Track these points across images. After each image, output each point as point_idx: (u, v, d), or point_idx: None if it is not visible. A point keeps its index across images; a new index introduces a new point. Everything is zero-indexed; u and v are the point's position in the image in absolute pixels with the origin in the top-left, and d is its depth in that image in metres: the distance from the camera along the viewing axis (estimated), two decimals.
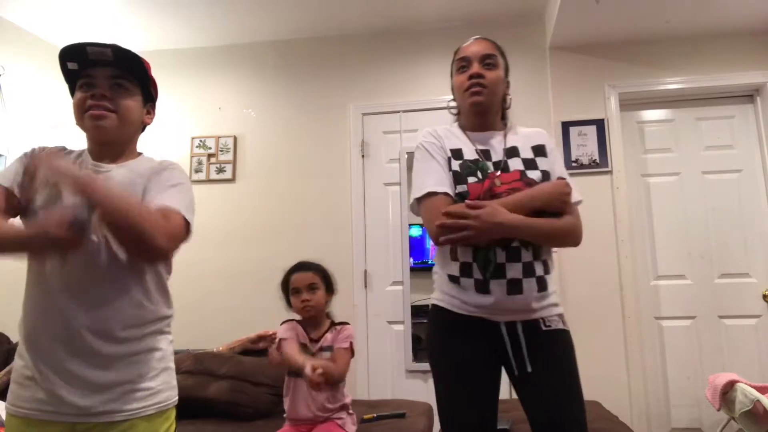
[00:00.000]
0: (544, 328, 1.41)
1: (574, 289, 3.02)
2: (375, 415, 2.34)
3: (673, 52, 3.16)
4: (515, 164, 1.48)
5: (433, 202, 1.44)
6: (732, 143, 3.16)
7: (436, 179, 1.47)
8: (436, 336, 1.50)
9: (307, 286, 2.00)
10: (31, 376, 1.13)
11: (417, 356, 3.15)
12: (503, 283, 1.38)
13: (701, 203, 3.13)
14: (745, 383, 2.43)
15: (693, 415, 2.97)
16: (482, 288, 1.40)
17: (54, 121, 3.47)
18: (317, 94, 3.49)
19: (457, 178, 1.46)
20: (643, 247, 3.14)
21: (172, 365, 1.25)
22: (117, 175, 1.21)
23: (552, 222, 1.42)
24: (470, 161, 1.48)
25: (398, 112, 3.38)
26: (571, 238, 1.47)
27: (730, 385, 2.47)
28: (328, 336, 2.02)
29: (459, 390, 1.43)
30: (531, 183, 1.44)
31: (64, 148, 1.29)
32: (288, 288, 2.04)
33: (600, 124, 3.14)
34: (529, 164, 1.49)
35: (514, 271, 1.38)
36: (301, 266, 2.06)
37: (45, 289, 1.16)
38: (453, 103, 1.63)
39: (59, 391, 1.10)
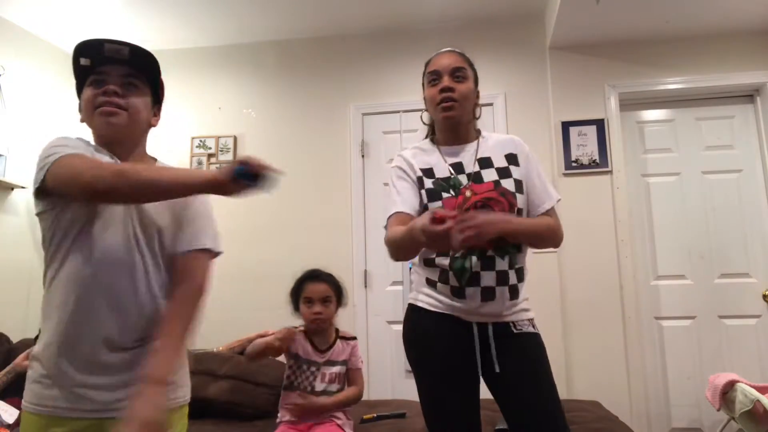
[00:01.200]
0: (515, 331, 1.45)
1: (574, 289, 3.02)
2: (375, 414, 2.34)
3: (673, 52, 3.17)
4: (489, 175, 1.50)
5: (395, 220, 1.49)
6: (732, 143, 3.16)
7: (401, 200, 1.51)
8: (412, 335, 1.53)
9: (322, 298, 1.99)
10: (51, 374, 1.12)
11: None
12: (477, 290, 1.42)
13: (701, 203, 3.13)
14: (745, 383, 2.43)
15: (693, 415, 2.97)
16: (457, 294, 1.45)
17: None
18: (317, 94, 3.49)
19: (431, 195, 1.49)
20: (643, 247, 3.14)
21: (185, 361, 1.26)
22: None
23: (548, 224, 1.50)
24: (442, 179, 1.51)
25: (398, 112, 3.38)
26: (551, 240, 1.52)
27: (730, 385, 2.47)
28: (338, 349, 2.01)
29: (440, 386, 1.45)
30: (505, 193, 1.46)
31: (87, 142, 1.26)
32: (298, 295, 2.02)
33: (600, 124, 3.14)
34: (503, 173, 1.51)
35: (488, 279, 1.42)
36: (316, 276, 2.04)
37: (82, 294, 1.13)
38: (426, 115, 1.66)
39: (85, 388, 1.10)
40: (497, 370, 1.43)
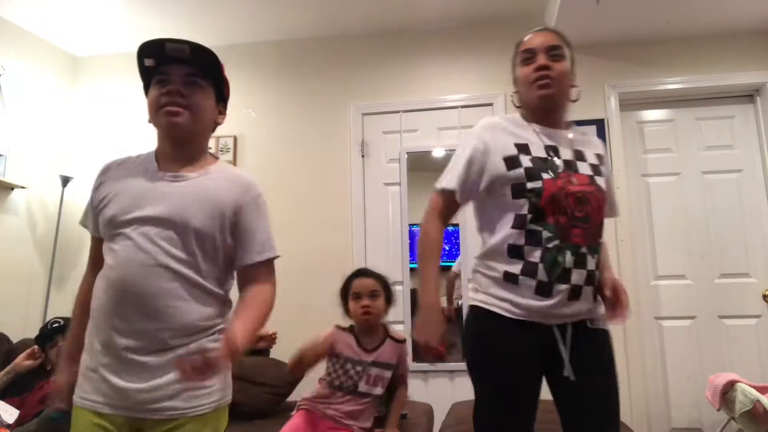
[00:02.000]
0: (590, 327, 1.40)
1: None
2: (375, 414, 2.34)
3: (673, 52, 3.17)
4: (583, 168, 1.43)
5: (438, 198, 1.48)
6: (732, 143, 3.16)
7: (458, 178, 1.45)
8: (480, 340, 1.42)
9: (370, 292, 1.97)
10: (95, 368, 1.15)
11: (417, 356, 3.15)
12: (566, 288, 1.34)
13: (701, 203, 3.13)
14: (745, 383, 2.43)
15: (693, 415, 2.97)
16: (543, 291, 1.34)
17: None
18: (317, 94, 3.49)
19: (530, 174, 1.37)
20: (643, 247, 3.14)
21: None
22: (200, 185, 1.22)
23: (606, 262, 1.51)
24: (540, 158, 1.40)
25: (398, 112, 3.38)
26: None
27: (730, 385, 2.46)
28: (387, 349, 1.97)
29: (509, 395, 1.37)
30: (600, 189, 1.41)
31: (128, 158, 1.30)
32: (347, 293, 1.99)
33: (600, 124, 3.14)
34: (596, 170, 1.45)
35: (578, 277, 1.35)
36: (364, 272, 2.04)
37: (111, 290, 1.16)
38: (516, 97, 1.53)
39: (121, 385, 1.12)
40: (565, 374, 1.35)
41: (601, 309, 1.43)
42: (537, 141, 1.44)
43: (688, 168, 3.18)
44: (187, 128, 1.22)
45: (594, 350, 1.39)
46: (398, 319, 3.18)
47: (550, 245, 1.34)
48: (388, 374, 1.97)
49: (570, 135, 1.49)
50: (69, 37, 3.49)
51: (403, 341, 2.03)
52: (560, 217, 1.35)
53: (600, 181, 1.43)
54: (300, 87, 3.52)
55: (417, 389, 3.03)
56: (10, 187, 3.17)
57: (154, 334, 1.12)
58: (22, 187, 3.21)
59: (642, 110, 3.28)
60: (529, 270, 1.35)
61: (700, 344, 3.03)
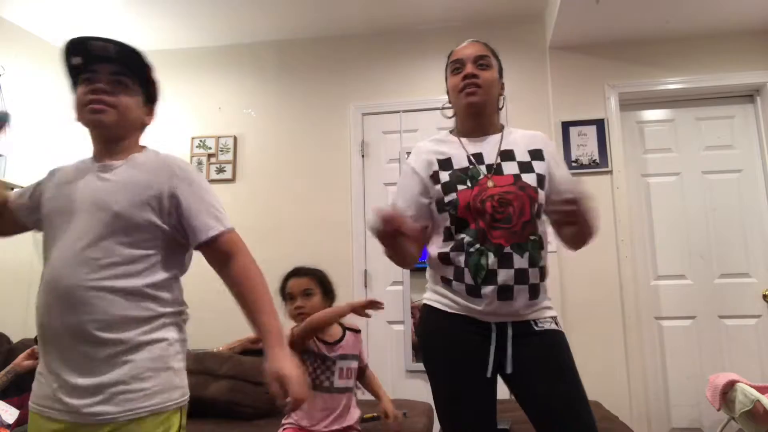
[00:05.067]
0: (536, 329, 1.42)
1: (574, 290, 3.02)
2: (375, 414, 2.34)
3: (673, 52, 3.17)
4: (510, 168, 1.47)
5: None
6: (732, 143, 3.16)
7: (399, 204, 1.53)
8: (428, 336, 1.51)
9: (302, 291, 1.94)
10: (41, 371, 1.16)
11: (417, 356, 3.15)
12: (494, 289, 1.39)
13: (701, 203, 3.13)
14: (745, 383, 2.43)
15: (693, 415, 2.97)
16: (473, 292, 1.41)
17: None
18: (317, 94, 3.49)
19: (447, 188, 1.46)
20: (643, 247, 3.14)
21: (177, 364, 1.20)
22: (125, 173, 1.22)
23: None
24: (460, 170, 1.48)
25: (398, 112, 3.39)
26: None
27: (730, 385, 2.46)
28: (349, 341, 1.96)
29: (455, 389, 1.43)
30: (524, 187, 1.43)
31: (54, 171, 1.32)
32: (283, 296, 1.97)
33: (600, 124, 3.14)
34: (525, 167, 1.48)
35: (505, 276, 1.38)
36: (297, 272, 2.00)
37: (42, 288, 1.17)
38: (448, 107, 1.63)
39: (57, 389, 1.11)
40: (509, 371, 1.39)
41: (549, 312, 1.46)
42: (460, 152, 1.52)
43: (688, 168, 3.17)
44: (110, 125, 1.21)
45: (538, 349, 1.40)
46: (398, 319, 3.18)
47: (472, 249, 1.41)
48: (355, 365, 1.99)
49: (499, 138, 1.53)
50: (69, 37, 3.48)
51: (359, 331, 2.05)
52: (480, 222, 1.41)
53: (528, 178, 1.45)
54: (300, 87, 3.52)
55: (417, 389, 3.03)
56: (10, 188, 3.17)
57: (83, 328, 1.10)
58: (22, 187, 3.21)
59: (642, 110, 3.28)
60: (458, 274, 1.43)
61: (700, 344, 3.03)
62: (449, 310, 1.45)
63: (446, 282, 1.47)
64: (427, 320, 1.52)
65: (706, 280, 3.07)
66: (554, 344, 1.42)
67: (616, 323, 2.98)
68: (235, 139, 3.51)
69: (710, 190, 3.13)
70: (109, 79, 1.21)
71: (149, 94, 1.30)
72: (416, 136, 3.36)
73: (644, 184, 3.21)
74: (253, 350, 2.77)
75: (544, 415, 1.38)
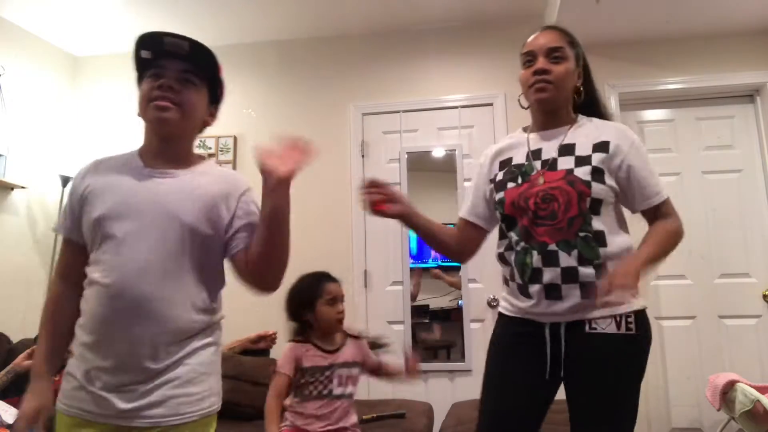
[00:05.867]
0: (587, 331, 1.33)
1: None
2: (375, 414, 2.34)
3: (673, 52, 3.17)
4: (565, 163, 1.39)
5: (458, 223, 1.59)
6: (732, 143, 3.16)
7: (466, 206, 1.59)
8: (492, 340, 1.50)
9: (342, 297, 1.96)
10: (79, 377, 1.12)
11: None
12: (540, 288, 1.35)
13: (701, 203, 3.13)
14: (745, 383, 2.43)
15: (693, 415, 2.97)
16: (523, 291, 1.40)
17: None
18: (317, 94, 3.49)
19: (498, 186, 1.47)
20: None
21: (219, 369, 1.22)
22: (192, 183, 1.20)
23: (668, 232, 1.49)
24: (515, 166, 1.46)
25: (398, 112, 3.38)
26: (677, 245, 1.48)
27: (730, 385, 2.46)
28: (349, 349, 1.95)
29: (506, 390, 1.41)
30: (573, 182, 1.35)
31: (110, 158, 1.26)
32: (314, 298, 1.93)
33: None
34: (581, 161, 1.38)
35: (551, 275, 1.34)
36: (330, 277, 2.00)
37: (101, 294, 1.12)
38: (523, 98, 1.53)
39: (104, 393, 1.09)
40: (561, 374, 1.34)
41: (618, 308, 1.34)
42: (522, 150, 1.49)
43: (688, 168, 3.17)
44: (175, 124, 1.19)
45: (587, 352, 1.33)
46: (398, 319, 3.18)
47: (518, 248, 1.40)
48: (356, 371, 1.97)
49: (566, 130, 1.46)
50: (69, 37, 3.49)
51: (359, 337, 2.04)
52: (524, 219, 1.39)
53: (581, 171, 1.36)
54: (300, 87, 3.52)
55: (417, 389, 3.03)
56: (10, 187, 3.17)
57: (151, 339, 1.09)
58: (22, 187, 3.21)
59: (642, 110, 3.28)
60: (511, 273, 1.44)
61: (700, 344, 3.02)
62: (508, 314, 1.46)
63: (505, 282, 1.49)
64: (495, 325, 1.52)
65: (706, 280, 3.07)
66: (603, 350, 1.32)
67: None
68: (235, 139, 3.51)
69: (710, 190, 3.13)
70: (178, 76, 1.19)
71: (214, 93, 1.29)
72: (416, 136, 3.36)
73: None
74: (253, 350, 2.77)
75: (577, 406, 1.37)
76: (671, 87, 3.15)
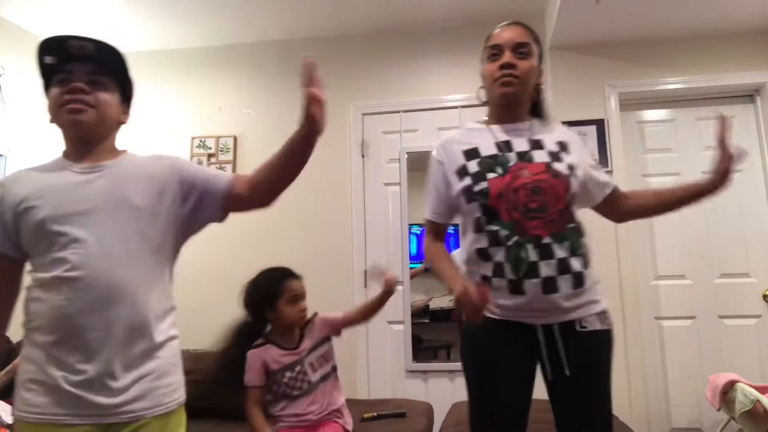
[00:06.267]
0: (579, 329, 1.36)
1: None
2: (375, 414, 2.34)
3: (673, 52, 3.16)
4: (540, 156, 1.41)
5: (429, 229, 1.54)
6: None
7: (431, 206, 1.52)
8: (468, 341, 1.45)
9: (302, 295, 1.92)
10: (47, 381, 1.09)
11: (417, 356, 3.15)
12: (537, 282, 1.33)
13: (701, 203, 3.12)
14: (745, 383, 2.43)
15: (693, 415, 2.97)
16: (515, 289, 1.35)
17: None
18: None
19: (477, 177, 1.40)
20: (643, 247, 3.14)
21: (181, 362, 1.24)
22: (127, 169, 1.21)
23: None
24: (488, 157, 1.42)
25: (398, 112, 3.38)
26: None
27: (730, 385, 2.46)
28: (309, 335, 1.94)
29: (493, 388, 1.38)
30: (557, 174, 1.38)
31: (31, 168, 1.25)
32: (273, 297, 1.89)
33: (600, 124, 3.13)
34: (555, 156, 1.43)
35: (547, 269, 1.33)
36: (292, 273, 1.95)
37: (72, 288, 1.11)
38: (482, 92, 1.54)
39: (81, 392, 1.08)
40: (568, 372, 1.34)
41: (596, 307, 1.40)
42: (488, 141, 1.46)
43: (688, 168, 3.17)
44: (90, 126, 1.18)
45: (581, 352, 1.35)
46: (398, 319, 3.18)
47: (510, 242, 1.35)
48: (325, 348, 1.96)
49: (528, 126, 1.49)
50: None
51: (314, 315, 2.00)
52: (514, 213, 1.36)
53: (560, 166, 1.40)
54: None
55: (417, 389, 3.04)
56: None
57: (126, 322, 1.10)
58: None
59: (642, 110, 3.28)
60: (498, 270, 1.37)
61: (700, 344, 3.02)
62: (491, 316, 1.37)
63: (485, 280, 1.39)
64: (469, 327, 1.44)
65: (706, 280, 3.07)
66: (595, 349, 1.37)
67: (616, 323, 2.91)
68: (235, 139, 3.51)
69: None
70: (88, 79, 1.18)
71: (125, 92, 1.29)
72: (416, 136, 3.36)
73: (644, 184, 3.20)
74: None
75: (574, 424, 1.37)
76: (671, 87, 3.15)
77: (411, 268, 3.23)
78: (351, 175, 3.35)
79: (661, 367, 3.04)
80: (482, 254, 1.39)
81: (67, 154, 1.24)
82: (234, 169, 3.47)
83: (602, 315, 1.41)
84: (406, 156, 3.30)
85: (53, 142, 3.69)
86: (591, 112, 3.16)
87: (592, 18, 2.93)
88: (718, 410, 2.57)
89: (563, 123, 3.09)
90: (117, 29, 3.38)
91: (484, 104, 1.55)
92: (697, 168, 3.17)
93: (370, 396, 3.03)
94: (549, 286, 1.33)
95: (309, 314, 1.98)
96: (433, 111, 3.35)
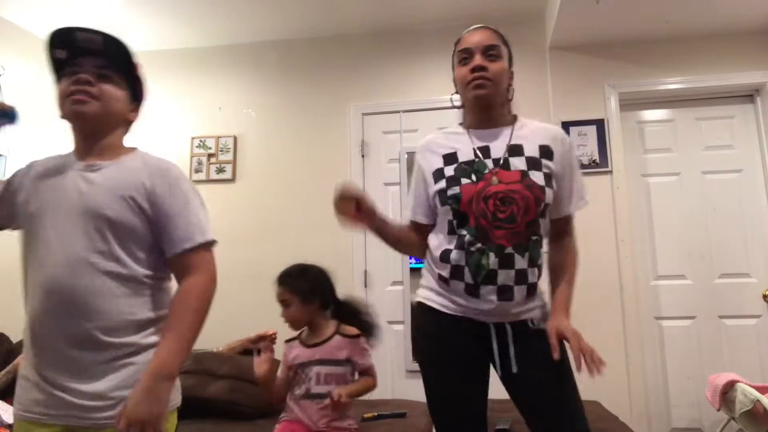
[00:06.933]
0: (532, 327, 1.40)
1: (574, 289, 3.02)
2: (375, 414, 2.34)
3: (673, 52, 3.16)
4: (517, 163, 1.41)
5: (408, 226, 1.59)
6: (732, 143, 3.16)
7: (411, 207, 1.58)
8: (421, 335, 1.50)
9: (282, 302, 1.90)
10: (31, 375, 1.12)
11: (416, 356, 3.15)
12: (493, 289, 1.36)
13: (701, 203, 3.13)
14: (745, 383, 2.43)
15: (693, 415, 2.97)
16: (471, 292, 1.39)
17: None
18: (317, 94, 3.49)
19: (450, 182, 1.43)
20: (643, 247, 3.14)
21: None
22: (113, 175, 1.19)
23: (573, 273, 1.50)
24: (465, 163, 1.44)
25: (398, 112, 3.38)
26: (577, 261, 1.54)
27: (730, 385, 2.46)
28: (335, 345, 1.87)
29: (451, 391, 1.42)
30: (531, 186, 1.37)
31: (51, 157, 1.27)
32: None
33: (600, 124, 3.14)
34: (533, 164, 1.41)
35: (505, 277, 1.36)
36: (278, 279, 1.93)
37: (35, 292, 1.14)
38: (456, 98, 1.55)
39: (53, 393, 1.09)
40: (514, 370, 1.36)
41: (543, 308, 1.45)
42: (467, 146, 1.47)
43: (688, 168, 3.17)
44: (93, 117, 1.17)
45: (534, 349, 1.38)
46: (398, 319, 3.18)
47: (473, 248, 1.38)
48: (341, 370, 1.86)
49: (509, 130, 1.48)
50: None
51: (356, 336, 1.91)
52: (481, 220, 1.38)
53: (536, 176, 1.39)
54: (300, 87, 3.52)
55: (417, 389, 3.02)
56: None
57: (86, 333, 1.09)
58: None
59: (642, 110, 3.28)
60: (457, 273, 1.40)
61: (700, 344, 3.03)
62: (445, 311, 1.43)
63: (443, 280, 1.43)
64: (421, 320, 1.50)
65: (706, 280, 3.07)
66: (546, 343, 1.38)
67: (616, 323, 2.98)
68: (235, 139, 3.51)
69: (710, 190, 3.13)
70: (93, 71, 1.18)
71: (135, 91, 1.28)
72: (416, 136, 3.35)
73: (644, 184, 3.21)
74: (254, 350, 2.76)
75: (539, 418, 1.38)
76: (671, 87, 3.15)
77: (411, 269, 3.23)
78: (351, 175, 3.35)
79: (661, 367, 3.04)
80: (444, 256, 1.43)
81: (75, 149, 1.24)
82: (234, 169, 3.47)
83: (543, 308, 1.47)
84: (406, 156, 3.30)
85: (53, 142, 3.69)
86: (591, 112, 3.16)
87: (592, 18, 2.93)
88: (718, 410, 2.57)
89: (563, 123, 3.14)
90: (117, 29, 3.37)
91: (460, 108, 1.58)
92: (697, 168, 3.17)
93: (370, 396, 3.02)
94: (505, 293, 1.37)
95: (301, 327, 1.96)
96: (433, 111, 3.35)
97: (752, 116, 3.17)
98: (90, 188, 1.16)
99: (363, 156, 3.37)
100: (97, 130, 1.21)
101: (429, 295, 1.48)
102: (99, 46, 1.18)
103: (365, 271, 3.25)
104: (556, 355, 1.31)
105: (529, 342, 1.39)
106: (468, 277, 1.38)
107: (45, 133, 3.45)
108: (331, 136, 3.43)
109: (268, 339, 2.79)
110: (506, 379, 1.42)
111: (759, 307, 3.01)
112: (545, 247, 1.48)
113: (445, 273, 1.42)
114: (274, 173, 3.43)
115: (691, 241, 3.11)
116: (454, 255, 1.41)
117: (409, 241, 1.58)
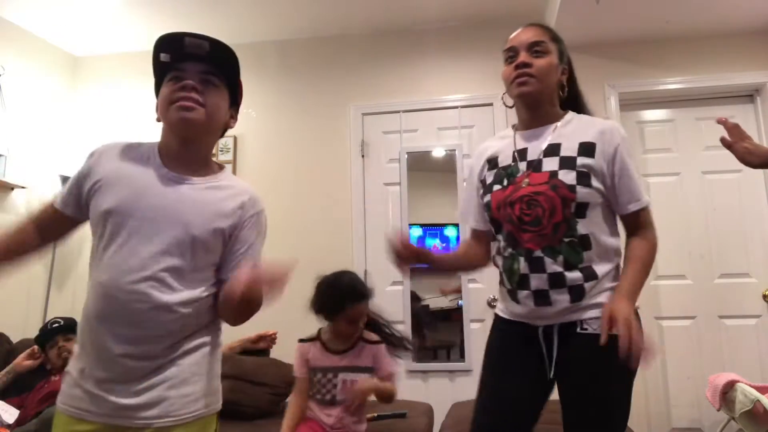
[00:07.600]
0: (578, 331, 1.33)
1: (645, 278, 3.02)
2: (376, 414, 2.34)
3: (673, 52, 3.17)
4: (549, 164, 1.36)
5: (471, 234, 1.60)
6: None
7: (473, 217, 1.57)
8: (488, 341, 1.51)
9: (364, 316, 1.90)
10: (77, 374, 1.12)
11: (417, 356, 3.15)
12: (529, 294, 1.35)
13: (701, 203, 3.13)
14: (745, 383, 2.43)
15: (693, 415, 2.97)
16: (512, 296, 1.40)
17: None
18: (317, 94, 3.49)
19: (487, 189, 1.45)
20: None
21: (216, 368, 1.22)
22: (209, 195, 1.18)
23: (644, 258, 1.37)
24: (502, 168, 1.44)
25: (398, 112, 3.38)
26: (654, 258, 1.40)
27: (730, 385, 2.46)
28: (359, 353, 1.88)
29: (495, 384, 1.42)
30: (557, 187, 1.32)
31: (129, 145, 1.22)
32: (333, 313, 1.87)
33: None
34: (567, 163, 1.35)
35: (538, 282, 1.33)
36: (362, 296, 1.89)
37: (98, 291, 1.12)
38: (507, 97, 1.50)
39: (96, 392, 1.09)
40: (550, 376, 1.34)
41: (596, 311, 1.34)
42: (508, 149, 1.46)
43: (688, 168, 3.17)
44: (199, 125, 1.16)
45: (577, 354, 1.33)
46: (398, 319, 3.18)
47: (506, 253, 1.40)
48: (366, 377, 1.88)
49: (552, 128, 1.42)
50: (69, 37, 3.48)
51: (379, 342, 1.92)
52: (509, 225, 1.38)
53: (566, 175, 1.33)
54: (300, 87, 3.52)
55: (417, 389, 3.04)
56: (10, 187, 3.17)
57: (137, 341, 1.09)
58: (22, 187, 3.21)
59: (642, 110, 3.28)
60: (501, 278, 1.45)
61: (700, 344, 3.02)
62: (502, 315, 1.47)
63: (500, 283, 1.48)
64: (492, 326, 1.52)
65: (706, 280, 3.07)
66: (591, 351, 1.29)
67: None
68: (235, 139, 3.51)
69: (710, 190, 3.13)
70: (200, 78, 1.16)
71: (234, 96, 1.27)
72: (416, 136, 3.36)
73: (644, 184, 3.19)
74: (253, 350, 2.77)
75: (567, 408, 1.37)
76: (671, 87, 3.15)
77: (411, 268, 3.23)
78: (351, 175, 3.35)
79: (661, 367, 3.04)
80: (494, 261, 1.51)
81: (161, 150, 1.21)
82: (234, 169, 3.47)
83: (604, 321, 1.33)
84: (406, 156, 3.30)
85: (53, 142, 3.69)
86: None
87: (592, 18, 2.93)
88: (718, 410, 2.57)
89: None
90: (117, 29, 3.38)
91: (510, 107, 1.53)
92: (697, 168, 3.17)
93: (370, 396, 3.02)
94: (541, 298, 1.34)
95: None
96: (433, 111, 3.35)
97: (752, 116, 3.17)
98: (180, 201, 1.15)
99: (363, 156, 3.37)
100: (199, 137, 1.20)
101: (498, 299, 1.53)
102: (205, 51, 1.17)
103: (365, 271, 3.25)
104: (603, 339, 1.19)
105: (575, 347, 1.33)
106: (506, 282, 1.41)
107: (45, 132, 3.45)
108: (331, 136, 3.43)
109: (268, 339, 2.80)
110: (551, 381, 1.39)
111: (759, 307, 3.01)
112: (597, 247, 1.35)
113: (499, 277, 1.47)
114: (274, 173, 3.43)
115: (691, 241, 3.11)
116: (497, 261, 1.46)
117: (476, 252, 1.57)
